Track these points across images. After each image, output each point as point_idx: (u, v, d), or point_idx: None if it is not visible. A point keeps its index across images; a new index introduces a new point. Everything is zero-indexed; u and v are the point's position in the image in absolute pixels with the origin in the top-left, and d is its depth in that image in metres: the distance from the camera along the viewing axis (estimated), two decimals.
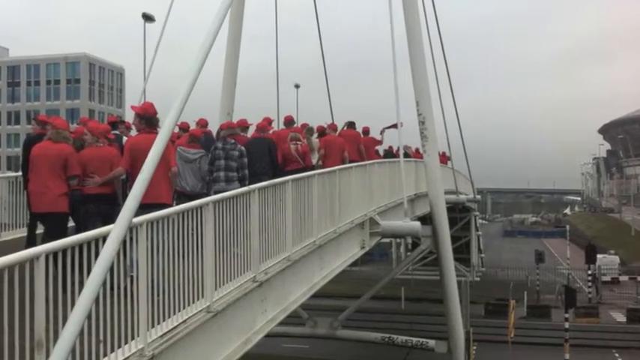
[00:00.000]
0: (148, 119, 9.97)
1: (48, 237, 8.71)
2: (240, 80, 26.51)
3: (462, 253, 48.41)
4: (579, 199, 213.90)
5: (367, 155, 19.73)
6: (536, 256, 59.51)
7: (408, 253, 53.93)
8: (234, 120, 17.18)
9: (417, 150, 28.51)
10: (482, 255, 58.45)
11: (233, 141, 13.10)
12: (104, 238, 5.46)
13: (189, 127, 15.14)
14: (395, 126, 20.93)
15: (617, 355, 38.91)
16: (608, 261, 66.82)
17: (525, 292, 50.57)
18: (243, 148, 13.12)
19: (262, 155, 14.52)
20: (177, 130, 14.68)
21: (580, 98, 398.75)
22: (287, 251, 11.24)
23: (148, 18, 41.06)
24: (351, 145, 18.69)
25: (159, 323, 6.94)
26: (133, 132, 12.20)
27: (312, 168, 15.97)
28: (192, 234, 7.80)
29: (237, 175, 12.76)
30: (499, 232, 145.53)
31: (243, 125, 15.64)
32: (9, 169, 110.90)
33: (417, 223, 19.50)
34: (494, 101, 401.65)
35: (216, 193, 11.01)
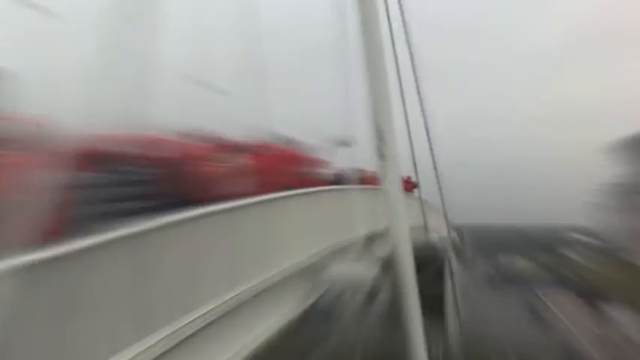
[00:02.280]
0: None
1: None
2: None
3: (432, 307, 48.68)
4: (585, 237, 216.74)
5: (310, 181, 19.87)
6: (529, 312, 60.03)
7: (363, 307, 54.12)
8: None
9: (373, 174, 28.73)
10: (459, 309, 58.82)
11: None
12: None
13: None
14: (345, 143, 21.10)
15: None
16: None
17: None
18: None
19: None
20: None
21: (585, 104, 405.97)
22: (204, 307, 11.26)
23: None
24: (289, 168, 18.82)
25: None
26: None
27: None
28: None
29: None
30: (481, 280, 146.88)
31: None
32: None
33: (374, 269, 19.63)
34: (475, 108, 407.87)
35: None
